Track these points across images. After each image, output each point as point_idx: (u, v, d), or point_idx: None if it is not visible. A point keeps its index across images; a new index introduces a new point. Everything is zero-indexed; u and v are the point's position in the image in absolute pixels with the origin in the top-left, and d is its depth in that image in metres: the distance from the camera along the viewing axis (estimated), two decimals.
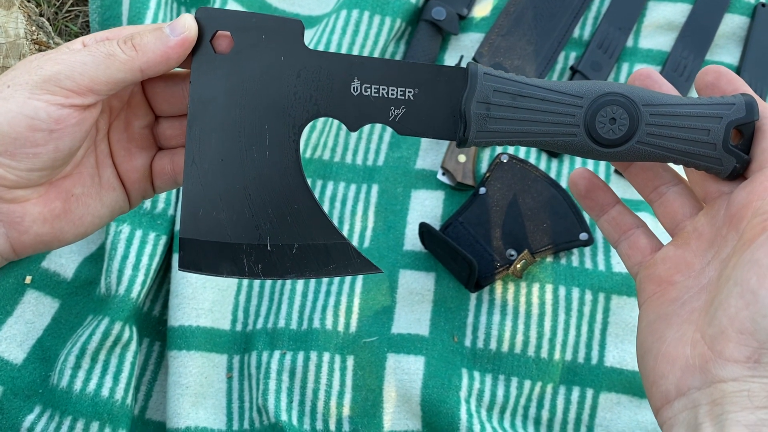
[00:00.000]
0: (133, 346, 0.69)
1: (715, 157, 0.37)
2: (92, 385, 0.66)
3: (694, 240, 0.39)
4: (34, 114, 0.35)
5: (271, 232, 0.40)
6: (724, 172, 0.38)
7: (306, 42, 0.83)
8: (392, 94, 0.39)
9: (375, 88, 0.39)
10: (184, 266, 0.39)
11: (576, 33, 0.88)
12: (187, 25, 0.38)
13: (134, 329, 0.69)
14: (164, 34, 0.37)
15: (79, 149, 0.40)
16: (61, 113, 0.36)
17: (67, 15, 0.89)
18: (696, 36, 0.86)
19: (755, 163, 0.36)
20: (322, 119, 0.80)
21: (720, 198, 0.38)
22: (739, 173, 0.38)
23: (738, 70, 0.85)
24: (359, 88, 0.39)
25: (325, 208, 0.79)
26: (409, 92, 0.39)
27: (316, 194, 0.79)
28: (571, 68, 0.84)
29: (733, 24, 0.88)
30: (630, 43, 0.87)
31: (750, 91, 0.38)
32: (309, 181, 0.79)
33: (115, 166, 0.43)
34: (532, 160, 0.81)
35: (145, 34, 0.38)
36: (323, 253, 0.40)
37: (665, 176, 0.41)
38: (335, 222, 0.78)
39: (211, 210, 0.39)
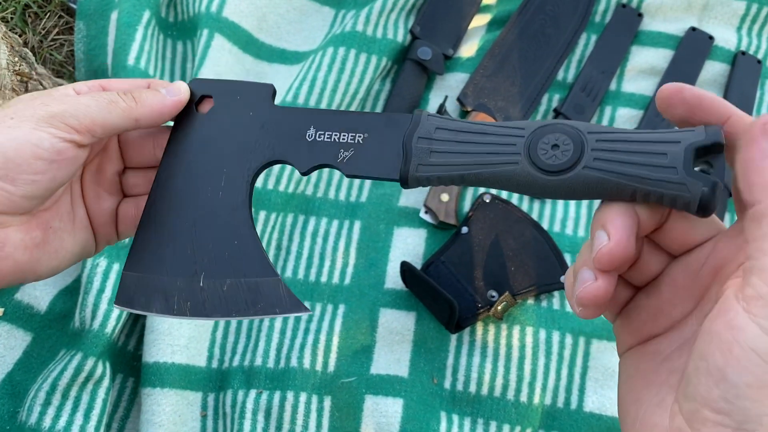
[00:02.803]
0: (105, 382, 0.67)
1: (678, 182, 0.33)
2: (62, 423, 0.64)
3: (668, 289, 0.36)
4: (38, 143, 0.38)
5: (206, 268, 0.41)
6: (693, 201, 0.33)
7: (292, 78, 0.83)
8: (343, 139, 0.41)
9: (328, 134, 0.42)
10: (119, 302, 0.41)
11: (560, 75, 0.89)
12: (183, 90, 0.43)
13: (108, 365, 0.68)
14: (161, 94, 0.42)
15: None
16: (62, 146, 0.39)
17: (52, 44, 0.88)
18: (678, 81, 0.87)
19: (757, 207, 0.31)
20: None
21: (698, 248, 0.35)
22: (709, 200, 0.33)
23: None
24: (314, 135, 0.42)
25: (307, 243, 0.78)
26: (359, 137, 0.41)
27: (298, 229, 0.79)
28: (555, 110, 0.85)
29: (714, 71, 0.89)
30: (613, 86, 0.88)
31: (720, 110, 0.34)
32: (291, 216, 0.79)
33: (85, 207, 0.45)
34: (514, 200, 0.81)
35: (142, 90, 0.42)
36: (253, 290, 0.41)
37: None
38: (316, 258, 0.77)
39: (157, 246, 0.42)
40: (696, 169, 0.33)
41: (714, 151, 0.33)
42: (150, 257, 0.41)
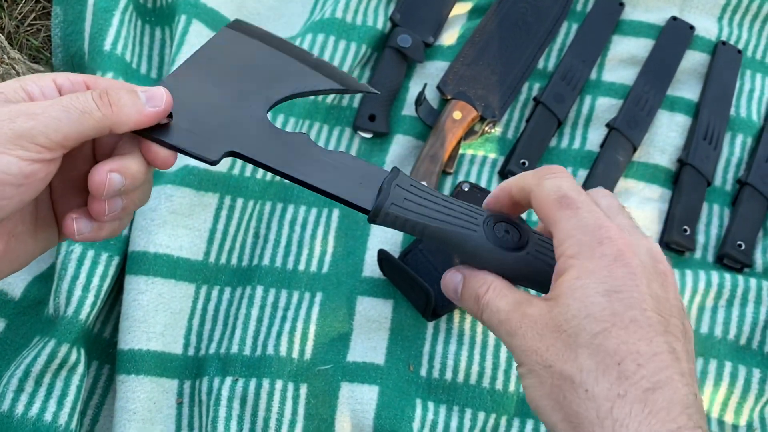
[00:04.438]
0: (80, 369, 0.67)
1: None
2: (35, 410, 0.64)
3: None
4: (6, 169, 0.35)
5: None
6: None
7: None
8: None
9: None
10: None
11: (540, 64, 0.89)
12: (165, 100, 0.40)
13: (82, 351, 0.68)
14: (140, 102, 0.39)
15: None
16: (32, 168, 0.36)
17: (29, 29, 0.88)
18: (658, 71, 0.88)
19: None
20: None
21: None
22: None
23: (698, 106, 0.86)
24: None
25: (285, 231, 0.78)
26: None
27: (276, 217, 0.78)
28: (534, 99, 0.85)
29: (694, 60, 0.89)
30: (593, 75, 0.88)
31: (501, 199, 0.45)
32: (269, 204, 0.78)
33: (52, 203, 0.43)
34: (493, 189, 0.81)
35: (121, 93, 0.39)
36: None
37: None
38: (294, 246, 0.77)
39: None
40: None
41: None
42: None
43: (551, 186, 0.41)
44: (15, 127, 0.35)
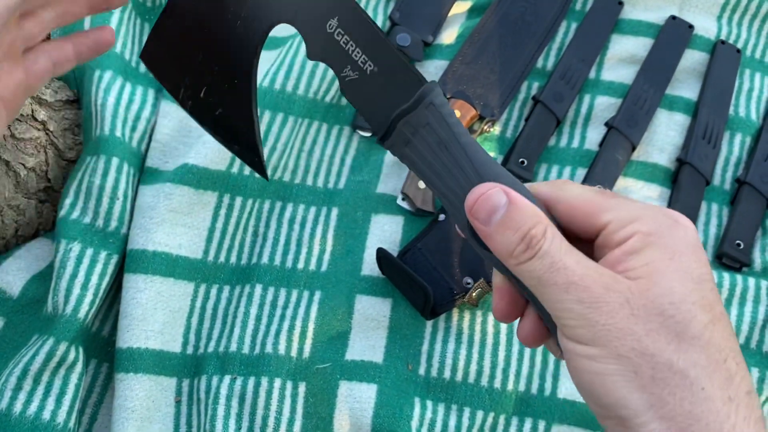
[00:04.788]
0: (78, 367, 0.67)
1: None
2: (33, 408, 0.64)
3: None
4: None
5: (208, 85, 0.43)
6: None
7: (268, 63, 0.82)
8: (355, 56, 0.40)
9: (346, 39, 0.40)
10: (144, 57, 0.44)
11: (539, 63, 0.89)
12: None
13: (81, 350, 0.68)
14: None
15: None
16: None
17: None
18: (657, 70, 0.88)
19: None
20: (284, 136, 0.79)
21: None
22: None
23: (697, 106, 0.86)
24: (334, 28, 0.40)
25: (284, 230, 0.78)
26: (369, 65, 0.40)
27: (275, 216, 0.78)
28: (533, 98, 0.85)
29: (693, 60, 0.89)
30: (592, 75, 0.88)
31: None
32: (268, 202, 0.78)
33: None
34: None
35: None
36: (234, 132, 0.44)
37: None
38: (293, 245, 0.77)
39: (175, 38, 0.43)
40: None
41: None
42: (169, 43, 0.43)
43: (578, 186, 0.38)
44: None
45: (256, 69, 0.42)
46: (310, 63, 0.81)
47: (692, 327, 0.32)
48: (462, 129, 0.38)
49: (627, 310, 0.32)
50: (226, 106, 0.43)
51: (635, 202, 0.36)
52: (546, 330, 0.39)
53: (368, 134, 0.83)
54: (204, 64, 0.42)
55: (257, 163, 0.44)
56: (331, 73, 0.82)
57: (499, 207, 0.35)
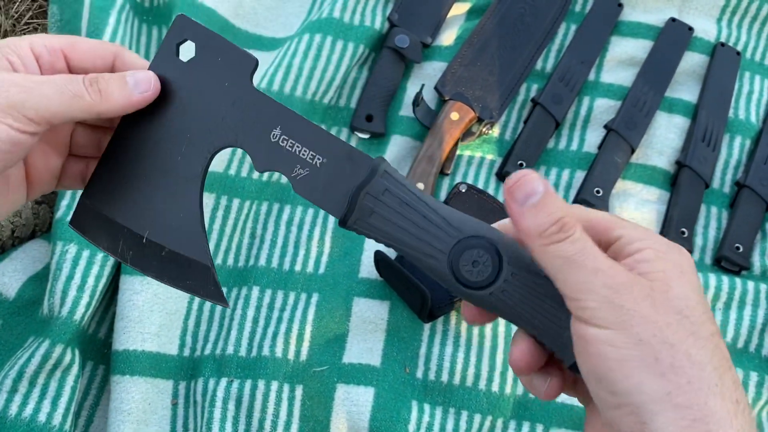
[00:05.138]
0: (74, 369, 0.67)
1: (563, 342, 0.37)
2: (29, 410, 0.64)
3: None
4: None
5: (152, 227, 0.42)
6: (568, 361, 0.37)
7: (267, 64, 0.82)
8: (303, 155, 0.42)
9: (291, 143, 0.42)
10: (74, 225, 0.43)
11: (538, 65, 0.88)
12: (153, 84, 0.41)
13: (76, 352, 0.67)
14: (128, 87, 0.40)
15: None
16: (20, 138, 0.38)
17: (25, 27, 0.87)
18: (656, 72, 0.87)
19: None
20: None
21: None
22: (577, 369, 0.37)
23: (696, 108, 0.86)
24: (278, 136, 0.42)
25: (282, 231, 0.77)
26: (318, 159, 0.42)
27: (273, 217, 0.78)
28: (533, 100, 0.85)
29: (692, 62, 0.89)
30: (592, 76, 0.88)
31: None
32: (266, 204, 0.78)
33: (26, 167, 0.44)
34: (490, 190, 0.81)
35: (110, 81, 0.40)
36: (186, 267, 0.42)
37: None
38: (291, 247, 0.77)
39: (115, 187, 0.42)
40: None
41: None
42: (105, 195, 0.42)
43: (592, 210, 0.39)
44: (9, 97, 0.37)
45: (202, 194, 0.42)
46: (308, 64, 0.81)
47: (704, 330, 0.34)
48: (418, 189, 0.40)
49: (649, 302, 0.34)
50: (174, 241, 0.42)
51: (643, 228, 0.38)
52: (539, 355, 0.40)
53: (366, 136, 0.82)
54: (146, 204, 0.42)
55: (215, 292, 0.42)
56: (329, 74, 0.82)
57: (536, 192, 0.36)
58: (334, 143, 0.41)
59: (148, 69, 0.42)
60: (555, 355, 0.38)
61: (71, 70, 0.42)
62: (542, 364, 0.40)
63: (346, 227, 0.41)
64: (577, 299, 0.35)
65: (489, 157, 0.83)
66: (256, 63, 0.42)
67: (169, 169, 0.42)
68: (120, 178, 0.42)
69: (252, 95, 0.42)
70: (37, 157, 0.44)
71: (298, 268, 0.76)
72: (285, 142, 0.41)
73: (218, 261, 0.75)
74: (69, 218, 0.44)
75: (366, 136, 0.83)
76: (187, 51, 0.42)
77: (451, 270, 0.39)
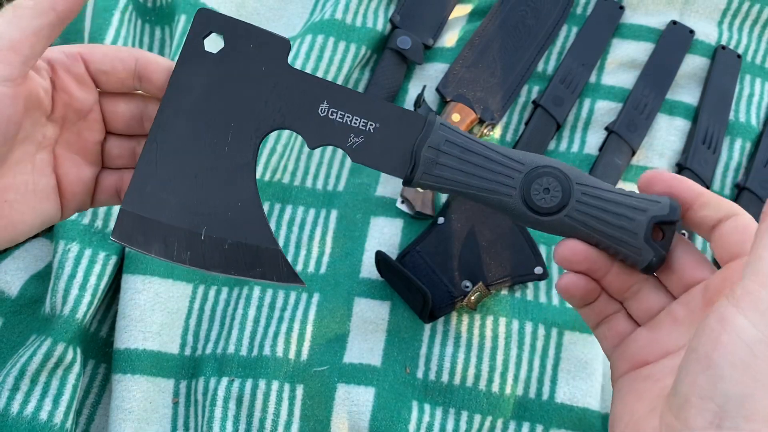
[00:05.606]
0: (76, 368, 0.67)
1: (636, 246, 0.40)
2: (30, 408, 0.64)
3: (668, 323, 0.40)
4: None
5: (208, 222, 0.41)
6: (642, 263, 0.40)
7: None
8: (354, 123, 0.42)
9: (341, 114, 0.42)
10: (117, 237, 0.41)
11: (540, 67, 0.89)
12: None
13: (78, 351, 0.68)
14: None
15: (13, 148, 0.39)
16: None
17: None
18: (657, 75, 0.87)
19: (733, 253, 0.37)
20: (284, 138, 0.79)
21: (695, 286, 0.39)
22: (654, 267, 0.40)
23: (697, 111, 0.86)
24: (326, 110, 0.41)
25: (283, 231, 0.78)
26: (371, 125, 0.42)
27: (274, 218, 0.78)
28: (534, 102, 0.85)
29: (693, 65, 0.89)
30: (593, 79, 0.88)
31: (692, 189, 0.40)
32: (267, 204, 0.78)
33: (57, 177, 0.42)
34: None
35: None
36: (253, 255, 0.41)
37: (637, 275, 0.42)
38: (292, 247, 0.77)
39: (158, 189, 0.41)
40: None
41: (670, 223, 0.39)
42: (150, 199, 0.41)
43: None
44: None
45: (255, 179, 0.42)
46: (310, 65, 0.81)
47: None
48: (473, 135, 0.42)
49: None
50: (235, 232, 0.41)
51: None
52: (596, 287, 0.42)
53: None
54: (199, 200, 0.41)
55: (288, 274, 0.41)
56: (331, 75, 0.82)
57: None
58: (384, 107, 0.42)
59: (174, 66, 0.41)
60: (627, 260, 0.40)
61: (90, 73, 0.41)
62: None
63: (411, 185, 0.41)
64: (751, 288, 0.32)
65: None
66: (290, 45, 0.42)
67: (218, 162, 0.41)
68: (164, 180, 0.41)
69: (292, 75, 0.41)
70: (67, 167, 0.42)
71: (299, 268, 0.76)
72: (334, 114, 0.41)
73: None
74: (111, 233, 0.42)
75: None
76: (215, 43, 0.42)
77: (524, 202, 0.41)
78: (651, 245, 0.39)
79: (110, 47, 0.42)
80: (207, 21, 0.41)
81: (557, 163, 0.41)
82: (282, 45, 0.42)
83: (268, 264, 0.41)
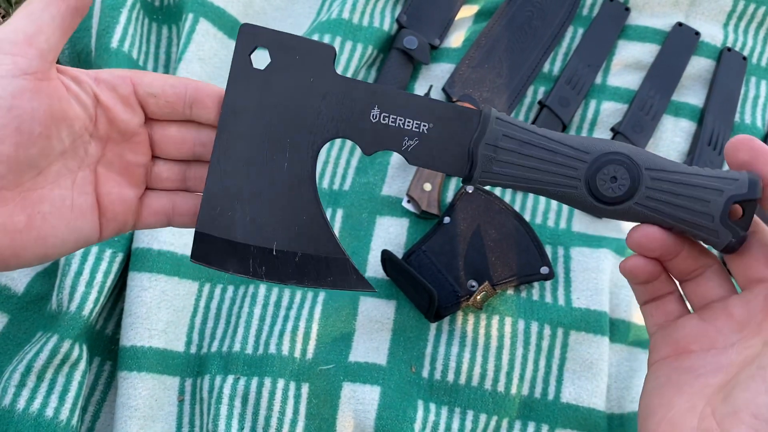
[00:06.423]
0: (82, 365, 0.67)
1: (712, 228, 0.38)
2: (36, 405, 0.64)
3: (723, 318, 0.38)
4: None
5: (278, 237, 0.42)
6: (720, 245, 0.38)
7: None
8: (408, 126, 0.41)
9: (392, 118, 0.41)
10: (196, 258, 0.42)
11: (546, 68, 0.89)
12: None
13: (84, 348, 0.68)
14: None
15: (51, 159, 0.38)
16: (16, 85, 0.34)
17: None
18: (663, 76, 0.88)
19: None
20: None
21: (760, 284, 0.38)
22: (734, 249, 0.38)
23: (703, 112, 0.86)
24: (378, 115, 0.41)
25: None
26: (424, 126, 0.41)
27: None
28: (539, 103, 0.85)
29: (699, 66, 0.89)
30: (599, 80, 0.88)
31: None
32: None
33: (98, 196, 0.42)
34: (497, 191, 0.81)
35: None
36: (323, 265, 0.42)
37: (704, 259, 0.41)
38: None
39: (227, 209, 0.41)
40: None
41: (749, 201, 0.37)
42: (220, 220, 0.41)
43: None
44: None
45: (316, 191, 0.42)
46: None
47: None
48: (533, 126, 0.40)
49: None
50: (304, 245, 0.42)
51: None
52: (660, 269, 0.41)
53: None
54: (266, 218, 0.42)
55: (358, 281, 0.42)
56: None
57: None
58: (436, 106, 0.41)
59: (227, 87, 0.41)
60: (705, 242, 0.39)
61: (139, 96, 0.41)
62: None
63: (471, 183, 0.41)
64: None
65: None
66: (335, 52, 0.41)
67: (279, 178, 0.41)
68: (232, 202, 0.41)
69: (341, 83, 0.41)
70: (109, 186, 0.42)
71: None
72: (386, 119, 0.41)
73: None
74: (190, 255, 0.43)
75: None
76: (262, 58, 0.41)
77: (590, 193, 0.39)
78: (728, 226, 0.37)
79: (161, 74, 0.41)
80: (251, 36, 0.41)
81: (625, 147, 0.39)
82: (327, 53, 0.41)
83: (338, 273, 0.42)
